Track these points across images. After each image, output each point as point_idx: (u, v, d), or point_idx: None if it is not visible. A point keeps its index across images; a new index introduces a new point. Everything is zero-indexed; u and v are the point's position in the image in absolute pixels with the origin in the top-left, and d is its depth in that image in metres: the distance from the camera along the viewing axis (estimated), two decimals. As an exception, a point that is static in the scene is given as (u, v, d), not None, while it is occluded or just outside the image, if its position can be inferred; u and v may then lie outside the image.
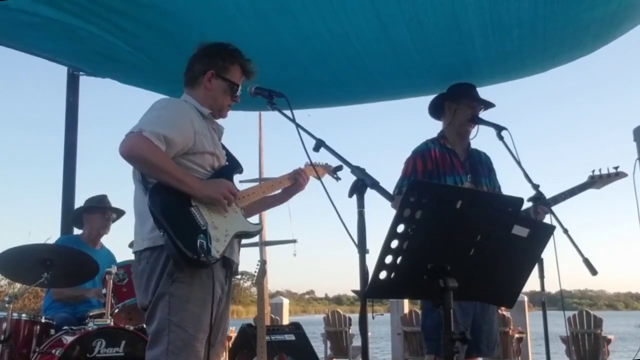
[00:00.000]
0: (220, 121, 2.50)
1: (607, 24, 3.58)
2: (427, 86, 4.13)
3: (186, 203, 2.16)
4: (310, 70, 4.10)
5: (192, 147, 2.23)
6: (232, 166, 2.44)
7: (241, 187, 2.59)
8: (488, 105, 3.06)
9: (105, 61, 4.21)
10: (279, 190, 2.66)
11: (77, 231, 4.23)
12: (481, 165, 3.08)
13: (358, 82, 4.32)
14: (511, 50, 3.77)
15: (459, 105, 3.03)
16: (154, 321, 2.16)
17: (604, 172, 3.01)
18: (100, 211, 3.97)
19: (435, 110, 3.17)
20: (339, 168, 2.72)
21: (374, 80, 4.26)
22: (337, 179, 2.70)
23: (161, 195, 2.13)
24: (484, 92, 3.27)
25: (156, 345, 2.13)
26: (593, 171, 3.02)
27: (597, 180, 3.01)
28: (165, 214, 2.10)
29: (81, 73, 4.67)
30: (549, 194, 2.83)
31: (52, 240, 4.25)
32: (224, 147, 2.47)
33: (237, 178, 2.46)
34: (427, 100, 3.24)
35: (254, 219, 2.55)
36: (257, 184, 2.61)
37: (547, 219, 2.72)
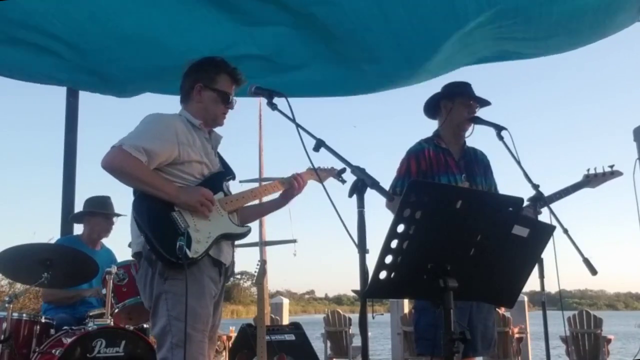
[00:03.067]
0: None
1: (603, 13, 3.57)
2: (419, 61, 4.05)
3: (169, 208, 2.29)
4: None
5: (177, 157, 2.36)
6: (224, 173, 2.55)
7: (241, 187, 2.63)
8: (484, 103, 3.05)
9: (100, 81, 4.30)
10: (277, 194, 2.71)
11: (76, 231, 4.23)
12: (477, 163, 3.06)
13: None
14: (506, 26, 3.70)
15: (454, 103, 3.01)
16: (157, 322, 2.26)
17: (599, 171, 3.01)
18: (102, 216, 3.97)
19: (431, 109, 3.16)
20: (344, 170, 2.72)
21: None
22: (343, 181, 2.71)
23: (144, 202, 2.29)
24: (482, 82, 3.25)
25: (163, 345, 2.23)
26: (588, 170, 3.02)
27: (592, 179, 3.01)
28: (146, 220, 2.26)
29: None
30: (548, 193, 2.84)
31: (54, 241, 4.24)
32: (219, 156, 2.59)
33: (232, 184, 2.58)
34: (425, 100, 3.23)
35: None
36: (248, 188, 2.63)
37: (547, 219, 2.72)
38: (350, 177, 1.91)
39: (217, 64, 2.55)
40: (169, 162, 2.35)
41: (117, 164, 2.25)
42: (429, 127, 3.17)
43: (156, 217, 2.26)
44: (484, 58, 4.29)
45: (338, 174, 2.75)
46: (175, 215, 2.27)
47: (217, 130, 2.61)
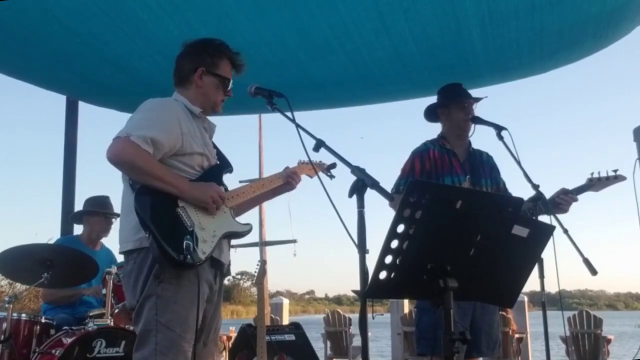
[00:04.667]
0: (219, 120, 2.50)
1: (605, 23, 3.59)
2: (425, 84, 4.15)
3: (173, 204, 2.16)
4: (309, 70, 4.10)
5: (180, 149, 2.23)
6: (222, 165, 2.44)
7: (239, 184, 2.59)
8: (479, 99, 3.06)
9: (102, 91, 4.33)
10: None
11: (76, 231, 4.23)
12: (482, 165, 3.07)
13: (357, 80, 4.32)
14: (508, 43, 3.77)
15: (450, 109, 3.04)
16: (140, 321, 2.14)
17: (603, 174, 2.99)
18: (102, 215, 3.97)
19: (430, 117, 3.20)
20: (333, 166, 2.69)
21: (372, 77, 4.27)
22: (331, 177, 2.66)
23: (148, 197, 2.13)
24: (484, 93, 3.26)
25: (144, 346, 2.11)
26: (592, 174, 3.00)
27: (595, 183, 2.99)
28: (151, 216, 2.09)
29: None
30: (549, 194, 2.83)
31: (54, 241, 4.24)
32: (215, 146, 2.46)
33: (227, 177, 2.47)
34: (425, 101, 3.25)
35: (244, 219, 2.52)
36: (247, 183, 2.58)
37: (547, 219, 2.72)
38: (348, 177, 1.90)
39: (220, 47, 2.40)
40: (171, 153, 2.21)
41: (126, 157, 2.10)
42: (432, 128, 3.19)
43: (161, 213, 2.12)
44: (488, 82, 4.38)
45: (327, 169, 2.71)
46: (180, 211, 2.15)
47: (211, 119, 2.48)
